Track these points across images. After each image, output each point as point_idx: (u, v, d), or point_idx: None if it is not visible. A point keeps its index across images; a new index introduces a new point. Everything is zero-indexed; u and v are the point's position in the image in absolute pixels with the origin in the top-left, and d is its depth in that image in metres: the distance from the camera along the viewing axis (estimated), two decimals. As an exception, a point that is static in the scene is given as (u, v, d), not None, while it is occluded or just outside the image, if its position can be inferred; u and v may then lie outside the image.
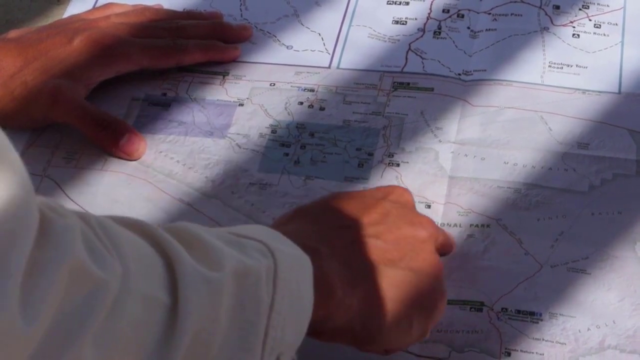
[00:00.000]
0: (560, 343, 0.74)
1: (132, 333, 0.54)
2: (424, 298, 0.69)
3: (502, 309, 0.75)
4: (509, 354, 0.73)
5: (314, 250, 0.65)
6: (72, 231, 0.51)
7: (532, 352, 0.73)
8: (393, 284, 0.68)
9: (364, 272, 0.68)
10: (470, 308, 0.76)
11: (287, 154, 0.86)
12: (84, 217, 0.54)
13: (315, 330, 0.65)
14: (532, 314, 0.75)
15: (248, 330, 0.58)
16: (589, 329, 0.74)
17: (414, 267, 0.69)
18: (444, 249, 0.77)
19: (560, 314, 0.75)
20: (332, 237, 0.68)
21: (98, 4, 1.00)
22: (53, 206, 0.51)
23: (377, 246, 0.69)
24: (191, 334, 0.56)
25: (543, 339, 0.74)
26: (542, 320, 0.75)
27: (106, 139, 0.86)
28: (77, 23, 0.92)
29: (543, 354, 0.73)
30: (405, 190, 0.76)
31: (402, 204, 0.74)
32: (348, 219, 0.70)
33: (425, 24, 0.96)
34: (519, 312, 0.75)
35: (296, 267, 0.62)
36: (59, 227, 0.50)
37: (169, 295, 0.56)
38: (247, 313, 0.58)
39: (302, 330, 0.63)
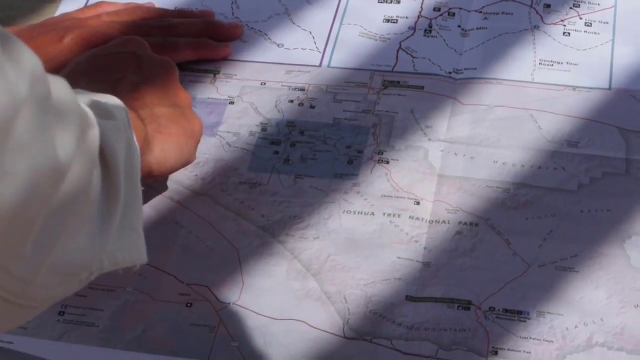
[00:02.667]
0: (547, 341, 0.73)
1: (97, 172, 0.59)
2: (190, 127, 0.82)
3: (490, 308, 0.75)
4: (496, 353, 0.73)
5: None
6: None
7: (520, 351, 0.73)
8: (171, 120, 0.81)
9: (148, 117, 0.79)
10: (458, 306, 0.76)
11: (276, 152, 0.86)
12: None
13: None
14: (519, 312, 0.75)
15: (131, 167, 0.65)
16: (576, 327, 0.74)
17: (178, 103, 0.83)
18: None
19: (547, 312, 0.75)
20: (115, 93, 0.73)
21: (90, 3, 1.00)
22: None
23: (148, 92, 0.82)
24: (121, 175, 0.61)
25: (530, 338, 0.74)
26: (529, 318, 0.75)
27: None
28: (68, 21, 0.92)
29: (530, 352, 0.73)
30: (139, 38, 0.87)
31: (143, 48, 0.86)
32: (116, 73, 0.82)
33: (416, 23, 0.95)
34: (506, 311, 0.75)
35: (129, 117, 0.69)
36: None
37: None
38: (130, 155, 0.65)
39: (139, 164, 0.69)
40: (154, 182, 0.83)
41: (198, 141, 0.83)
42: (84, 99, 0.63)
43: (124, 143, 0.64)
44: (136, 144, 0.68)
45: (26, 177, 0.47)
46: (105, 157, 0.60)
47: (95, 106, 0.63)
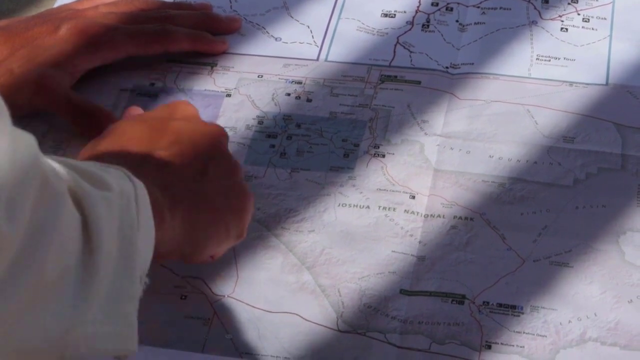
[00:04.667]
0: (541, 336, 0.73)
1: (65, 245, 0.55)
2: (234, 202, 0.75)
3: (484, 302, 0.75)
4: (489, 347, 0.73)
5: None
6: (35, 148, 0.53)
7: (513, 345, 0.73)
8: (205, 197, 0.73)
9: (178, 192, 0.71)
10: (452, 301, 0.76)
11: (273, 146, 0.86)
12: None
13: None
14: (513, 307, 0.75)
15: (128, 249, 0.61)
16: (570, 322, 0.74)
17: (219, 175, 0.74)
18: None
19: (541, 307, 0.75)
20: (142, 166, 0.71)
21: (88, -5, 0.99)
22: None
23: (182, 165, 0.73)
24: (106, 250, 0.58)
25: (524, 332, 0.74)
26: (523, 313, 0.75)
27: (90, 129, 0.86)
28: (65, 12, 0.92)
29: (524, 347, 0.73)
30: (186, 103, 0.80)
31: (189, 118, 0.78)
32: (147, 146, 0.74)
33: (414, 17, 0.95)
34: (500, 305, 0.75)
35: (144, 193, 0.65)
36: (26, 142, 0.52)
37: (79, 212, 0.57)
38: (126, 229, 0.61)
39: (151, 252, 0.65)
40: (191, 262, 0.76)
41: (247, 219, 0.75)
42: (70, 166, 0.60)
43: (116, 217, 0.60)
44: (148, 221, 0.64)
45: None
46: (88, 228, 0.57)
47: (86, 175, 0.60)
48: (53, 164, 0.57)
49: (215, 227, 0.73)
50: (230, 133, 0.87)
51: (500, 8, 0.96)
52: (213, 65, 0.93)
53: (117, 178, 0.63)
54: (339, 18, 0.96)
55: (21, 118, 0.89)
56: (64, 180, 0.57)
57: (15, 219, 0.50)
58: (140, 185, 0.65)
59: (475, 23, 0.94)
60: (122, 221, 0.61)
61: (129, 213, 0.62)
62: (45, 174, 0.53)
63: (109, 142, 0.75)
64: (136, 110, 0.84)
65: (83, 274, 0.56)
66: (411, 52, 0.93)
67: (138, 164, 0.71)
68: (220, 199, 0.74)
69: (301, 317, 0.76)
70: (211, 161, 0.75)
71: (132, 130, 0.76)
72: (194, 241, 0.72)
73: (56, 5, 0.99)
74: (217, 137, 0.77)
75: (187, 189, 0.72)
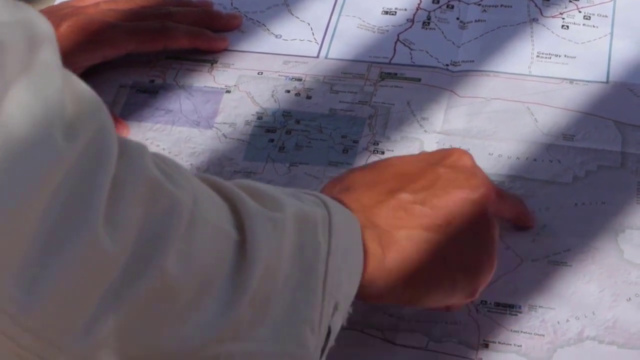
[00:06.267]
0: (538, 335, 0.73)
1: (206, 258, 0.55)
2: (468, 260, 0.69)
3: (482, 301, 0.75)
4: (486, 346, 0.73)
5: (360, 217, 0.66)
6: (144, 151, 0.52)
7: (510, 344, 0.73)
8: (434, 249, 0.68)
9: (404, 238, 0.68)
10: (450, 298, 0.75)
11: (272, 140, 0.86)
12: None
13: (360, 293, 0.66)
14: (511, 306, 0.75)
15: (308, 272, 0.60)
16: (568, 320, 0.74)
17: (459, 230, 0.69)
18: (515, 216, 0.77)
19: (539, 306, 0.74)
20: (378, 205, 0.69)
21: (89, -9, 0.99)
22: None
23: (422, 213, 0.69)
24: (261, 269, 0.57)
25: (521, 331, 0.73)
26: (521, 312, 0.74)
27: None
28: (66, 9, 0.92)
29: (521, 346, 0.73)
30: (464, 152, 0.73)
31: (458, 168, 0.72)
32: (396, 185, 0.70)
33: (414, 15, 0.95)
34: (498, 304, 0.75)
35: (347, 222, 0.64)
36: (132, 146, 0.51)
37: (236, 231, 0.57)
38: (306, 255, 0.60)
39: (355, 284, 0.64)
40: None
41: (481, 282, 0.70)
42: (242, 187, 0.60)
43: (288, 239, 0.59)
44: (348, 249, 0.63)
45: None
46: (244, 247, 0.56)
47: (257, 195, 0.60)
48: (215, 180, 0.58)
49: (438, 282, 0.69)
50: (229, 130, 0.87)
51: (501, 6, 0.95)
52: (213, 62, 0.93)
53: (308, 203, 0.62)
54: (339, 15, 0.96)
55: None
56: (231, 194, 0.58)
57: (118, 232, 0.49)
58: (342, 212, 0.64)
59: (475, 20, 0.94)
60: (301, 245, 0.60)
61: (313, 238, 0.60)
62: (155, 181, 0.52)
63: (366, 171, 0.73)
64: None
65: (234, 291, 0.56)
66: (411, 49, 0.92)
67: (374, 202, 0.68)
68: (452, 252, 0.69)
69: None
70: (459, 217, 0.70)
71: (394, 168, 0.72)
72: (410, 290, 0.68)
73: (57, 2, 0.99)
74: (477, 190, 0.71)
75: (416, 237, 0.68)
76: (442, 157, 0.73)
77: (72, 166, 0.47)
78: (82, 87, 0.51)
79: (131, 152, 0.51)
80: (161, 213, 0.52)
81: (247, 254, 0.56)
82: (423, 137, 0.85)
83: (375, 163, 0.75)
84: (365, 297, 0.67)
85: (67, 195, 0.47)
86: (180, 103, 0.90)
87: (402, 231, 0.68)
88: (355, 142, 0.86)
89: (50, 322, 0.48)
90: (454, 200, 0.70)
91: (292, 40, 0.94)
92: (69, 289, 0.48)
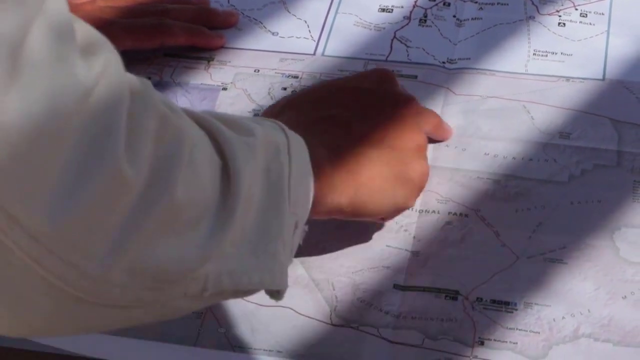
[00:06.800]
0: (534, 332, 0.73)
1: (203, 182, 0.57)
2: (405, 171, 0.75)
3: (477, 298, 0.75)
4: (482, 343, 0.73)
5: (304, 139, 0.70)
6: (149, 84, 0.55)
7: (506, 341, 0.73)
8: (375, 163, 0.74)
9: (348, 155, 0.74)
10: (445, 296, 0.75)
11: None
12: None
13: (311, 210, 0.70)
14: (506, 303, 0.75)
15: (275, 192, 0.63)
16: (563, 318, 0.74)
17: (396, 145, 0.76)
18: (434, 131, 0.82)
19: (535, 304, 0.75)
20: (318, 126, 0.74)
21: (85, -12, 0.99)
22: None
23: (361, 130, 0.76)
24: (245, 191, 0.60)
25: (517, 329, 0.74)
26: (516, 309, 0.74)
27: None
28: (62, 6, 0.92)
29: (517, 343, 0.73)
30: (385, 70, 0.81)
31: (384, 84, 0.80)
32: (331, 107, 0.77)
33: (411, 12, 0.95)
34: (493, 302, 0.75)
35: (300, 145, 0.68)
36: (140, 80, 0.54)
37: (219, 157, 0.60)
38: (273, 176, 0.64)
39: (309, 202, 0.68)
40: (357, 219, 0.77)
41: (415, 189, 0.76)
42: (212, 115, 0.62)
43: (260, 162, 0.63)
44: (303, 170, 0.67)
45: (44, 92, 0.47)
46: (228, 172, 0.59)
47: (228, 122, 0.63)
48: (192, 112, 0.60)
49: (380, 193, 0.74)
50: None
51: (498, 3, 0.95)
52: (210, 59, 0.93)
53: (269, 129, 0.66)
54: (336, 13, 0.96)
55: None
56: (208, 124, 0.60)
57: (136, 161, 0.51)
58: (295, 138, 0.67)
59: (472, 18, 0.94)
60: (268, 167, 0.63)
61: (277, 161, 0.64)
62: (164, 113, 0.55)
63: (290, 99, 0.79)
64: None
65: (222, 213, 0.58)
66: (408, 47, 0.92)
67: (313, 125, 0.74)
68: (391, 165, 0.75)
69: (294, 310, 0.76)
70: (392, 131, 0.76)
71: (325, 91, 0.79)
72: (354, 203, 0.74)
73: None
74: (407, 107, 0.79)
75: (358, 153, 0.74)
76: (365, 76, 0.81)
77: (96, 96, 0.49)
78: (87, 25, 0.53)
79: (140, 85, 0.54)
80: (170, 142, 0.55)
81: (230, 177, 0.59)
82: (419, 135, 0.85)
83: (305, 90, 0.81)
84: (315, 213, 0.70)
85: (94, 124, 0.49)
86: (177, 100, 0.90)
87: (343, 150, 0.74)
88: (352, 139, 0.86)
89: (75, 245, 0.50)
90: (387, 115, 0.77)
91: (288, 37, 0.95)
92: (93, 215, 0.50)
